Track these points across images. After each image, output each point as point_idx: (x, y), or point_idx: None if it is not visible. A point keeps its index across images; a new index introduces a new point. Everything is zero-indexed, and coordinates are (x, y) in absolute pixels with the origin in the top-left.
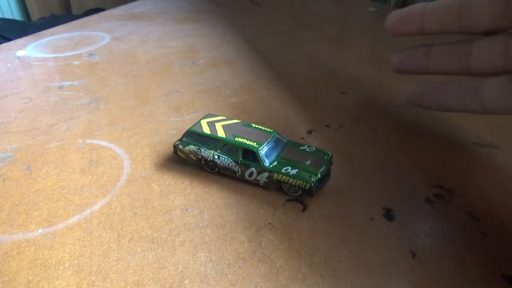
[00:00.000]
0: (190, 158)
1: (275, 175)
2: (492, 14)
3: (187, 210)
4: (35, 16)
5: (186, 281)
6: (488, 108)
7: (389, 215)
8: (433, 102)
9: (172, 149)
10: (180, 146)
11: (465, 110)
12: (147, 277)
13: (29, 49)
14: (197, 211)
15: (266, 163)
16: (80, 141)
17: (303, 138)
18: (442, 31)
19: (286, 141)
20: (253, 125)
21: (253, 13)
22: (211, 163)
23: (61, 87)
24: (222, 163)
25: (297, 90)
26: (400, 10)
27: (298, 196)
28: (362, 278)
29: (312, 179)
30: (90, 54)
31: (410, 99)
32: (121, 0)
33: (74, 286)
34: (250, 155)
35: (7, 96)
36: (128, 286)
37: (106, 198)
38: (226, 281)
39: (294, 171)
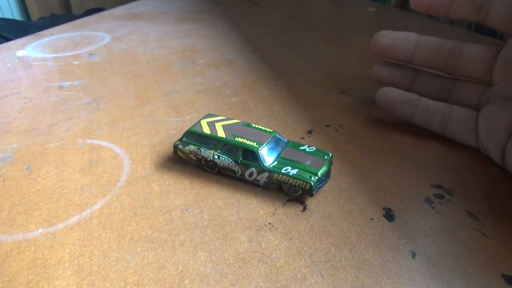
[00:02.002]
0: (190, 158)
1: (275, 175)
2: (478, 66)
3: (187, 210)
4: (35, 16)
5: (186, 281)
6: (449, 133)
7: (389, 215)
8: (403, 112)
9: (172, 149)
10: (180, 146)
11: (427, 127)
12: (147, 277)
13: (29, 49)
14: (197, 211)
15: (266, 163)
16: (80, 141)
17: (303, 138)
18: (428, 67)
19: (286, 141)
20: (253, 125)
21: (253, 13)
22: (211, 163)
23: (61, 87)
24: (222, 163)
25: (297, 90)
26: (393, 34)
27: (298, 196)
28: (362, 278)
29: (312, 179)
30: (90, 54)
31: (382, 103)
32: (121, 0)
33: (74, 286)
34: (250, 155)
35: (7, 96)
36: (128, 286)
37: (106, 198)
38: (226, 281)
39: (294, 171)
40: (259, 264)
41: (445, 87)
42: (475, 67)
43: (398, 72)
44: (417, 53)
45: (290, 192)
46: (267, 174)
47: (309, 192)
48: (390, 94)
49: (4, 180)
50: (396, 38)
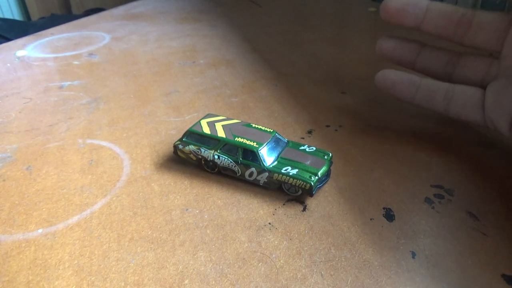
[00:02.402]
0: (190, 158)
1: (275, 175)
2: (488, 35)
3: (187, 210)
4: (35, 16)
5: (186, 281)
6: (453, 111)
7: (389, 215)
8: (404, 93)
9: (172, 149)
10: (180, 146)
11: (432, 108)
12: (147, 277)
13: (29, 49)
14: (197, 211)
15: (266, 163)
16: (80, 141)
17: (303, 138)
18: (436, 35)
19: (286, 141)
20: (253, 125)
21: (253, 13)
22: (211, 163)
23: (61, 87)
24: (222, 163)
25: (297, 90)
26: None
27: (298, 196)
28: (362, 278)
29: (312, 179)
30: (90, 54)
31: (382, 85)
32: (121, 0)
33: (74, 286)
34: (250, 155)
35: (7, 96)
36: (128, 286)
37: (106, 198)
38: (226, 281)
39: (294, 171)
40: (259, 264)
41: (451, 61)
42: (486, 36)
43: (403, 44)
44: (427, 18)
45: (290, 192)
46: (267, 174)
47: (309, 192)
48: (390, 75)
49: (4, 180)
50: (406, 2)
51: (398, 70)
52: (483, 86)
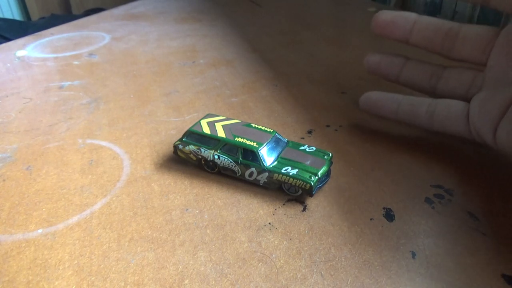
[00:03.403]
0: (190, 158)
1: (275, 175)
2: (475, 47)
3: (187, 210)
4: (35, 16)
5: (186, 281)
6: (436, 124)
7: (389, 215)
8: (387, 113)
9: (172, 149)
10: (180, 146)
11: (415, 124)
12: (147, 277)
13: (29, 49)
14: (197, 211)
15: (266, 163)
16: (80, 141)
17: (303, 138)
18: (424, 47)
19: (286, 141)
20: (253, 125)
21: (253, 13)
22: (211, 163)
23: (61, 87)
24: (222, 163)
25: (297, 90)
26: (394, 12)
27: (298, 196)
28: (362, 278)
29: (312, 179)
30: (90, 54)
31: (366, 106)
32: (121, 0)
33: (74, 286)
34: (250, 155)
35: (7, 96)
36: (128, 286)
37: (106, 198)
38: (226, 281)
39: (294, 171)
40: (259, 264)
41: (435, 73)
42: (472, 48)
43: (388, 59)
44: (415, 31)
45: (290, 192)
46: (267, 174)
47: (309, 192)
48: (372, 95)
49: (4, 180)
50: (396, 15)
51: (380, 92)
52: (467, 98)
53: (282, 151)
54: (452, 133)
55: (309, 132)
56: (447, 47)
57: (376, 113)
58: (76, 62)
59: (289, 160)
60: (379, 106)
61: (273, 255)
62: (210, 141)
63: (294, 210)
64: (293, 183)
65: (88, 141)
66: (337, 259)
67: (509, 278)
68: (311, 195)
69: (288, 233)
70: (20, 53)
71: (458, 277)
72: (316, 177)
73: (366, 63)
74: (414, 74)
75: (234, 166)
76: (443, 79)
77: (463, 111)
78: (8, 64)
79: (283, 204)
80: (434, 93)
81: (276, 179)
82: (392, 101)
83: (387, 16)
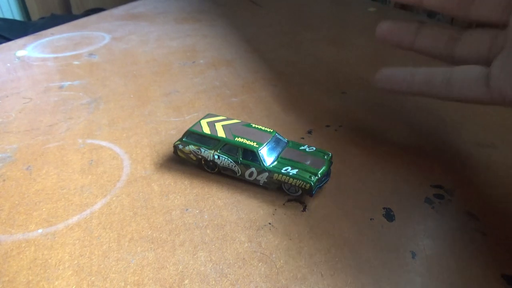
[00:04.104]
0: (190, 158)
1: (275, 175)
2: (494, 5)
3: (187, 210)
4: (35, 16)
5: (186, 281)
6: (454, 93)
7: (389, 215)
8: (402, 85)
9: (172, 149)
10: (180, 146)
11: (431, 94)
12: (147, 277)
13: (29, 49)
14: (197, 211)
15: (266, 163)
16: (80, 141)
17: (303, 138)
18: (440, 9)
19: (286, 141)
20: (253, 125)
21: (253, 13)
22: (211, 163)
23: (61, 87)
24: (222, 163)
25: (297, 90)
26: None
27: (298, 196)
28: (362, 278)
29: (312, 179)
30: (90, 54)
31: (380, 82)
32: (121, 0)
33: (74, 286)
34: (250, 155)
35: (7, 96)
36: (128, 286)
37: (106, 198)
38: (226, 281)
39: (294, 171)
40: (259, 264)
41: (452, 37)
42: (492, 6)
43: (401, 25)
44: None
45: (290, 192)
46: (267, 174)
47: (309, 192)
48: (388, 70)
49: (4, 180)
50: None
51: (395, 66)
52: (488, 60)
53: (282, 151)
54: (471, 98)
55: (309, 132)
56: (465, 7)
57: (391, 88)
58: (76, 62)
59: (289, 160)
60: (394, 80)
61: (273, 255)
62: (210, 141)
63: (294, 210)
64: (293, 183)
65: (88, 141)
66: (337, 259)
67: (509, 278)
68: (311, 195)
69: (288, 233)
70: (20, 53)
71: (458, 277)
72: (316, 177)
73: (379, 32)
74: (430, 39)
75: (234, 166)
76: (461, 41)
77: (481, 74)
78: (8, 64)
79: (283, 204)
80: (452, 58)
81: (276, 179)
82: (406, 73)
83: None
